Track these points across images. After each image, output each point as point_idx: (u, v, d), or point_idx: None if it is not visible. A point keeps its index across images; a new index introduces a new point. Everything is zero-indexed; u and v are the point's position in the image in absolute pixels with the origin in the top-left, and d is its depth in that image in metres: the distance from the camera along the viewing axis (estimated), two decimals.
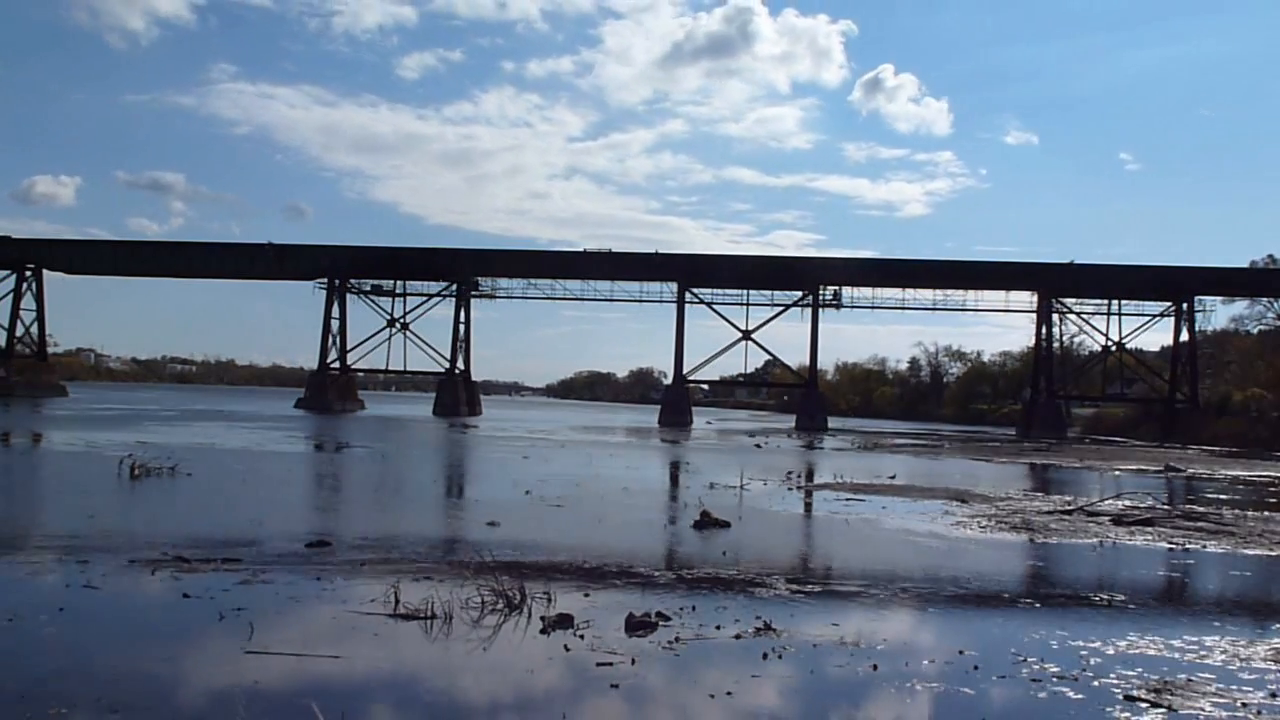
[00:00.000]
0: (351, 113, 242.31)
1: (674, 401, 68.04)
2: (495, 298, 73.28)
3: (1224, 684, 6.47)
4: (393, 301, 71.23)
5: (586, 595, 8.63)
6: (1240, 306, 74.60)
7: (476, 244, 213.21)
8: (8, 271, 71.60)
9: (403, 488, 19.83)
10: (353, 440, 34.04)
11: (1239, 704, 6.04)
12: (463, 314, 70.28)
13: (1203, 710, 5.92)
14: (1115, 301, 68.07)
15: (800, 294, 68.05)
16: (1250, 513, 18.01)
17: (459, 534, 12.62)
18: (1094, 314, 69.51)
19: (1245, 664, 7.04)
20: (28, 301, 72.27)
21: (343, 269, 69.82)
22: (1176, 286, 65.56)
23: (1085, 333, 73.08)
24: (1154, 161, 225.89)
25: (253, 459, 24.04)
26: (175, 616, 7.55)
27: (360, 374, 77.35)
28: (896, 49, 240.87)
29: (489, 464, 26.62)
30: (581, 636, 7.16)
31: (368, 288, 71.31)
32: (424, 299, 71.13)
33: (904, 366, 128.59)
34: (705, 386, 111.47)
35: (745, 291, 69.31)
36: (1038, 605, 9.01)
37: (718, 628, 7.57)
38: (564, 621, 7.52)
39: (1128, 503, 18.34)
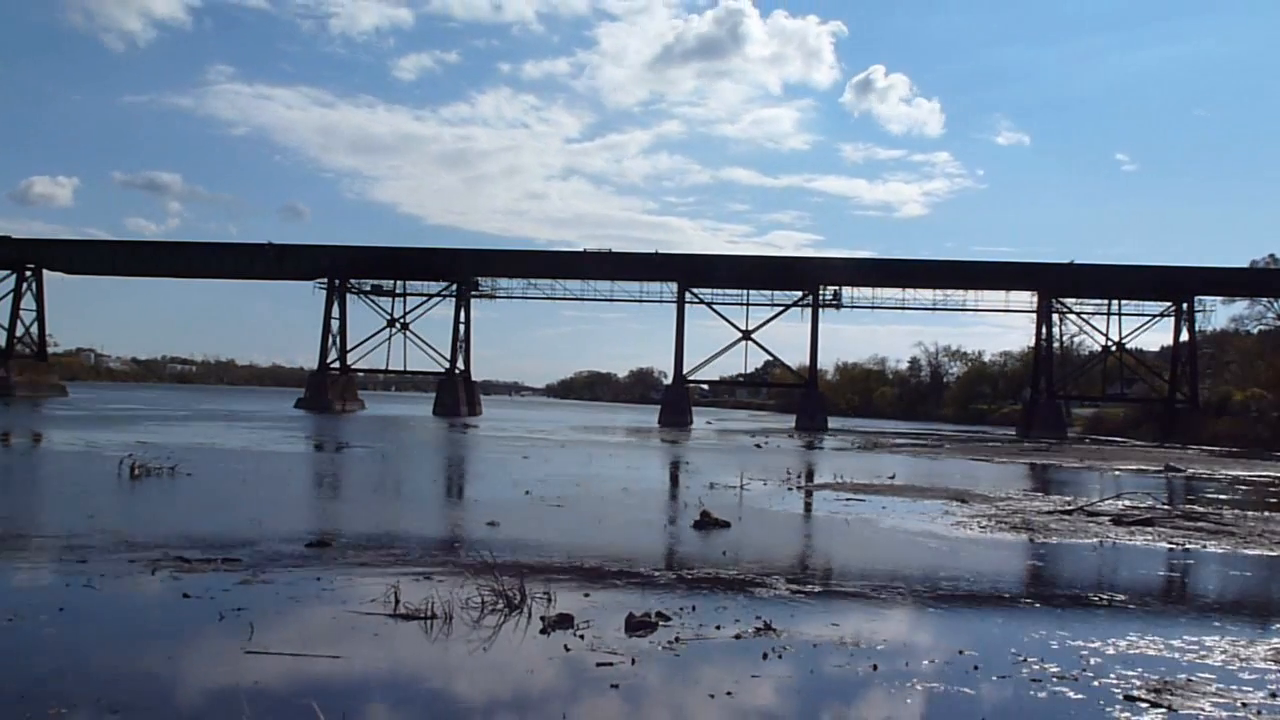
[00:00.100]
0: (349, 113, 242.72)
1: (674, 401, 68.02)
2: (495, 298, 73.33)
3: (1224, 684, 6.47)
4: (393, 301, 71.31)
5: (586, 595, 8.63)
6: (1240, 306, 74.79)
7: (475, 244, 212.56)
8: (8, 271, 71.56)
9: (402, 488, 19.83)
10: (352, 440, 34.04)
11: (1239, 704, 6.04)
12: (463, 314, 70.34)
13: (1203, 710, 5.92)
14: (1115, 301, 68.04)
15: (800, 294, 68.02)
16: (1250, 513, 18.01)
17: (459, 534, 12.62)
18: (1094, 314, 69.60)
19: (1245, 664, 7.04)
20: (28, 301, 72.28)
21: (343, 269, 69.80)
22: (1176, 286, 65.54)
23: (1085, 333, 73.23)
24: (1151, 162, 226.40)
25: (253, 459, 24.03)
26: (175, 616, 7.55)
27: (360, 374, 77.30)
28: (887, 50, 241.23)
29: (489, 464, 26.61)
30: (581, 636, 7.16)
31: (368, 288, 71.29)
32: (424, 299, 71.23)
33: (904, 366, 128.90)
34: (705, 386, 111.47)
35: (745, 291, 69.30)
36: (1038, 605, 9.01)
37: (718, 628, 7.57)
38: (564, 621, 7.52)
39: (1128, 503, 18.34)
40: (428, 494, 18.45)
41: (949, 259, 70.39)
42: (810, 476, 24.26)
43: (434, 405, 69.06)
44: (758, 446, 39.75)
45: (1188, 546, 13.16)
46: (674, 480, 24.16)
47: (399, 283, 71.23)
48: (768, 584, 9.47)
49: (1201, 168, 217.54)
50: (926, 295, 69.85)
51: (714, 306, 69.60)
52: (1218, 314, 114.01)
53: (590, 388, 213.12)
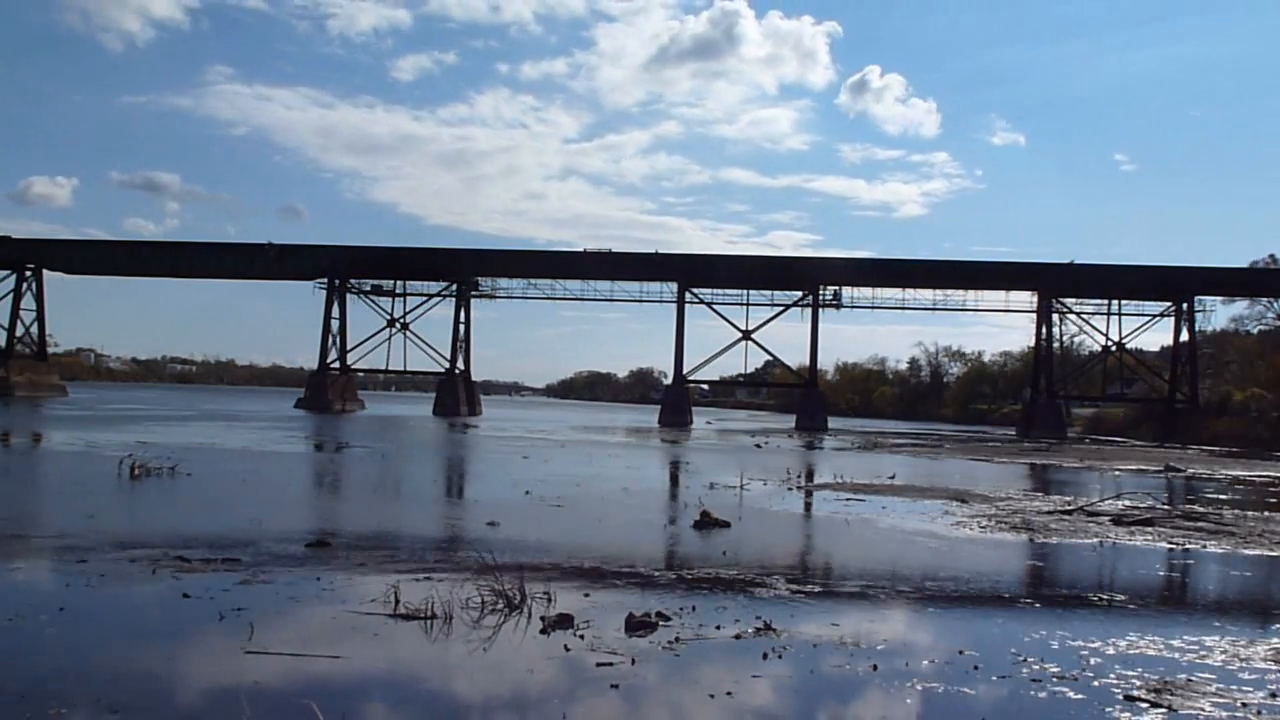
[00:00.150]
0: (348, 114, 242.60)
1: (674, 401, 68.03)
2: (495, 298, 73.35)
3: (1224, 684, 6.47)
4: (393, 301, 71.34)
5: (586, 595, 8.63)
6: (1240, 306, 74.88)
7: (474, 244, 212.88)
8: (8, 271, 71.58)
9: (402, 488, 19.84)
10: (352, 440, 34.04)
11: (1239, 704, 6.04)
12: (462, 314, 70.37)
13: (1203, 710, 5.91)
14: (1115, 301, 68.05)
15: (800, 294, 68.04)
16: (1250, 513, 18.01)
17: (459, 534, 12.63)
18: (1094, 314, 69.62)
19: (1245, 664, 7.04)
20: (28, 301, 72.29)
21: (343, 269, 69.79)
22: (1176, 286, 65.55)
23: (1085, 333, 73.23)
24: (1149, 162, 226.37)
25: (253, 459, 24.04)
26: (175, 616, 7.55)
27: (360, 374, 77.30)
28: (882, 50, 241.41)
29: (488, 464, 26.62)
30: (581, 636, 7.16)
31: (368, 288, 71.30)
32: (424, 299, 71.25)
33: (904, 366, 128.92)
34: (705, 386, 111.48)
35: (745, 291, 69.31)
36: (1038, 605, 9.01)
37: (718, 628, 7.57)
38: (564, 621, 7.52)
39: (1128, 503, 18.34)
40: (427, 494, 18.45)
41: (948, 259, 70.49)
42: (810, 476, 24.26)
43: (434, 405, 69.09)
44: (758, 446, 39.75)
45: (1188, 546, 13.16)
46: (674, 480, 24.16)
47: (399, 283, 71.25)
48: (768, 584, 9.47)
49: (1200, 168, 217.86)
50: (926, 295, 69.92)
51: (714, 306, 69.68)
52: (1218, 314, 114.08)
53: (590, 388, 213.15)
